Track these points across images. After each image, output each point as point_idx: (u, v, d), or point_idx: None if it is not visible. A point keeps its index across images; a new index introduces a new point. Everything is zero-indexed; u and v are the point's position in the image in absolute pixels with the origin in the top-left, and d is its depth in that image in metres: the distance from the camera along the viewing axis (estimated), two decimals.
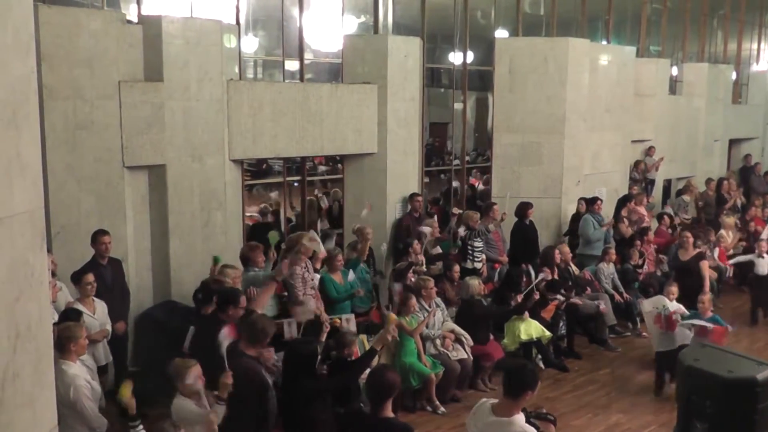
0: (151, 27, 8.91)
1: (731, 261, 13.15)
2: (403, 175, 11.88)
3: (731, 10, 21.56)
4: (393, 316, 7.56)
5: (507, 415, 4.83)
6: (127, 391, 5.41)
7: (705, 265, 10.80)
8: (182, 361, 5.83)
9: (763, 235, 13.39)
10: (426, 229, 11.09)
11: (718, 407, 6.48)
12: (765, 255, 12.21)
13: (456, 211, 13.07)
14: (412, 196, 11.74)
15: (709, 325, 8.89)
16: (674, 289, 9.64)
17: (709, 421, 6.55)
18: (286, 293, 8.87)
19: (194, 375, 5.65)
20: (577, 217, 12.81)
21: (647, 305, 9.71)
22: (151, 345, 8.56)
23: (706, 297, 9.50)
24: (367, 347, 8.40)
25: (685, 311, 9.41)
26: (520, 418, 4.85)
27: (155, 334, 8.69)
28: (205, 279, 8.35)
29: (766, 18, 24.11)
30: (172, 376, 5.64)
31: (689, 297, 9.63)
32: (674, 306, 9.38)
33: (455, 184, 14.82)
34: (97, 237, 8.12)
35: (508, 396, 4.88)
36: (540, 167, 13.00)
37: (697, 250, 10.99)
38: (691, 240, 10.92)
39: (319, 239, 9.62)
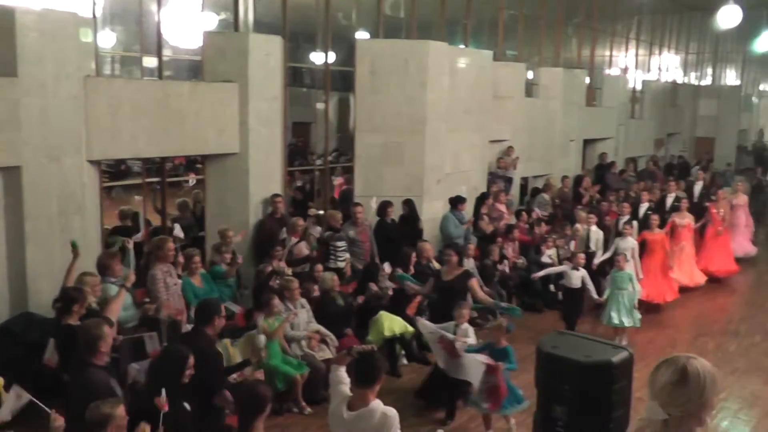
0: (3, 18, 8.55)
1: (539, 273, 12.52)
2: (266, 176, 11.88)
3: (585, 18, 22.76)
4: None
5: (365, 405, 5.06)
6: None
7: (474, 283, 9.36)
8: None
9: (572, 246, 13.80)
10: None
11: (577, 390, 6.99)
12: (580, 268, 11.68)
13: (312, 212, 13.14)
14: (273, 197, 11.76)
15: (490, 361, 8.04)
16: (465, 312, 8.73)
17: (568, 404, 7.04)
18: (147, 299, 8.83)
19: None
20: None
21: (427, 327, 8.65)
22: (8, 359, 7.96)
23: (465, 311, 8.71)
24: (231, 351, 8.58)
25: (471, 340, 8.64)
26: (377, 403, 5.09)
27: (12, 347, 8.27)
28: (64, 287, 7.95)
29: (618, 26, 25.52)
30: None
31: (451, 318, 8.70)
32: (464, 329, 8.63)
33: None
34: None
35: (361, 386, 5.11)
36: (402, 167, 13.31)
37: (462, 269, 9.45)
38: (455, 258, 9.31)
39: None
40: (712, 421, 8.95)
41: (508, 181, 16.59)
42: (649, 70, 28.83)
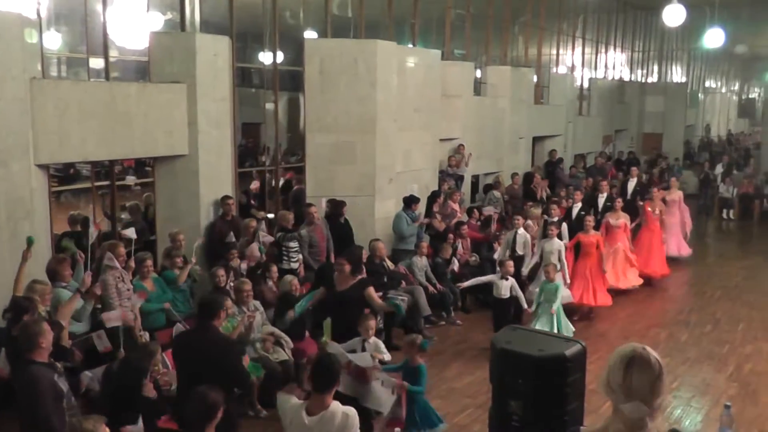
0: None
1: (466, 283, 12.11)
2: (216, 177, 11.82)
3: (532, 18, 23.04)
4: None
5: (323, 409, 5.13)
6: None
7: (371, 292, 8.46)
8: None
9: (497, 255, 13.38)
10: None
11: (531, 384, 7.09)
12: (509, 277, 11.21)
13: (261, 215, 13.05)
14: (224, 199, 11.70)
15: (402, 387, 7.57)
16: (372, 324, 8.17)
17: (523, 398, 7.13)
18: (100, 305, 8.77)
19: None
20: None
21: (336, 349, 7.45)
22: None
23: (371, 322, 8.16)
24: None
25: (387, 356, 8.29)
26: (336, 404, 5.17)
27: None
28: (14, 296, 7.73)
29: (564, 25, 25.88)
30: None
31: (353, 331, 8.08)
32: (373, 344, 8.07)
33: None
34: None
35: (318, 391, 5.18)
36: (353, 166, 13.38)
37: (358, 277, 8.47)
38: (348, 267, 8.40)
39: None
40: (665, 410, 9.18)
41: (460, 179, 16.76)
42: (596, 68, 29.26)
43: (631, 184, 18.43)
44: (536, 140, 22.66)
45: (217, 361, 6.38)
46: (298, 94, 14.70)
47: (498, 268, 11.59)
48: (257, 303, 9.67)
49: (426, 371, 7.90)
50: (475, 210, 15.09)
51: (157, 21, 12.14)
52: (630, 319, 13.01)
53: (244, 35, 14.38)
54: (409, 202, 13.47)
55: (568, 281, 12.50)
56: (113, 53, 11.42)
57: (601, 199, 16.18)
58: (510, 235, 13.14)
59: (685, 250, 17.42)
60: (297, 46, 14.31)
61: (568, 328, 11.22)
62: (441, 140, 16.28)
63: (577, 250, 13.24)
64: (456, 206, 14.83)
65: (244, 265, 10.86)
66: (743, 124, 45.25)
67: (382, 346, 8.44)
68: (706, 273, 16.98)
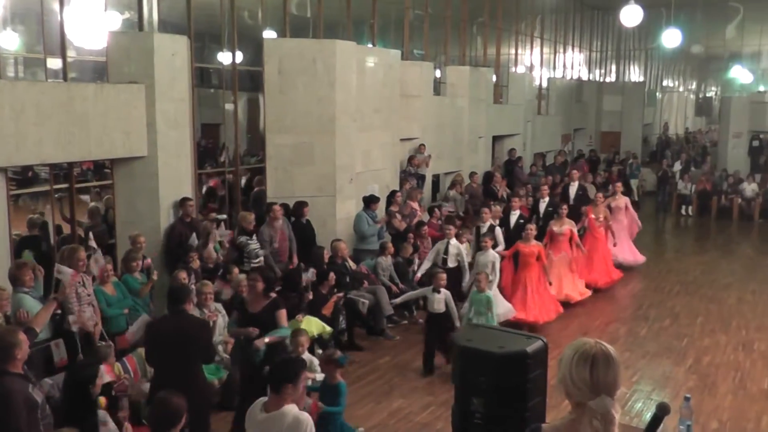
0: None
1: (398, 300, 11.66)
2: (176, 179, 11.76)
3: (489, 18, 23.24)
4: None
5: (277, 409, 5.21)
6: None
7: (281, 316, 7.92)
8: None
9: (420, 271, 12.32)
10: None
11: (493, 382, 7.17)
12: (442, 290, 10.47)
13: (212, 216, 12.97)
14: (183, 200, 11.64)
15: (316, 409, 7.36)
16: (304, 340, 8.17)
17: (485, 395, 7.21)
18: (60, 311, 8.68)
19: None
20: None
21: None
22: None
23: (303, 338, 8.09)
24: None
25: (319, 375, 8.16)
26: (290, 407, 5.24)
27: None
28: None
29: (522, 25, 26.10)
30: None
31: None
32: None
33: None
34: None
35: (273, 391, 5.27)
36: (313, 167, 13.38)
37: (270, 298, 7.97)
38: (261, 285, 7.89)
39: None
40: (626, 404, 9.34)
41: (421, 178, 16.85)
42: (554, 68, 29.55)
43: (573, 188, 17.43)
44: (496, 139, 22.86)
45: (195, 339, 7.14)
46: (258, 94, 14.69)
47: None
48: (219, 305, 9.65)
49: (345, 390, 7.77)
50: (436, 209, 15.17)
51: (115, 20, 12.03)
52: (589, 315, 13.19)
53: (202, 35, 14.33)
54: (369, 201, 13.54)
55: (499, 294, 11.59)
56: (71, 53, 11.28)
57: (543, 205, 15.59)
58: (441, 245, 12.35)
59: (640, 257, 16.72)
60: (256, 46, 14.29)
61: None
62: (401, 140, 16.34)
63: (517, 261, 12.65)
64: (416, 205, 14.91)
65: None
66: (700, 122, 45.89)
67: (316, 363, 8.51)
68: (665, 268, 17.27)
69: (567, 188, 17.65)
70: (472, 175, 18.29)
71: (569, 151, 28.57)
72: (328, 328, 10.37)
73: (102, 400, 6.42)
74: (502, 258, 12.51)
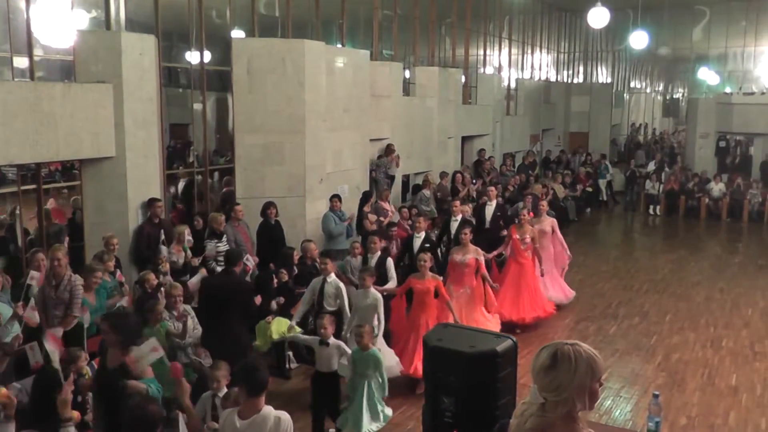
0: None
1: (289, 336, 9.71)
2: (144, 180, 11.74)
3: (457, 19, 23.35)
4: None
5: (255, 413, 5.19)
6: None
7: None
8: None
9: (296, 318, 9.84)
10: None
11: (463, 381, 7.23)
12: (331, 340, 8.41)
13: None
14: (151, 201, 11.62)
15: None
16: (221, 374, 7.15)
17: (455, 394, 7.27)
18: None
19: None
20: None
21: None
22: None
23: (221, 372, 7.14)
24: None
25: None
26: (268, 408, 5.24)
27: None
28: None
29: (490, 26, 26.25)
30: None
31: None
32: None
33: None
34: None
35: (251, 396, 5.22)
36: (283, 167, 13.39)
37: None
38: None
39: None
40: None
41: (390, 178, 16.87)
42: (522, 69, 29.73)
43: (489, 209, 14.53)
44: (465, 140, 22.96)
45: (236, 295, 8.85)
46: (227, 94, 14.65)
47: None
48: (188, 307, 9.59)
49: (381, 356, 8.14)
50: (405, 210, 15.18)
51: (82, 19, 11.94)
52: (559, 314, 13.23)
53: (170, 34, 14.24)
54: (331, 199, 13.51)
55: (384, 345, 9.67)
56: (38, 52, 11.17)
57: (455, 225, 13.20)
58: (317, 282, 10.06)
59: (569, 292, 13.94)
60: (224, 45, 14.25)
61: (386, 414, 8.40)
62: (371, 140, 16.36)
63: (411, 298, 10.30)
64: (387, 205, 14.93)
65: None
66: (668, 123, 46.31)
67: (344, 346, 8.49)
68: (634, 267, 17.45)
69: (482, 209, 14.74)
70: (442, 175, 18.34)
71: (538, 152, 28.77)
72: (298, 329, 10.35)
73: (75, 414, 6.33)
74: (393, 296, 10.58)
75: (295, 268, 11.52)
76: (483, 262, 11.43)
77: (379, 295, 9.57)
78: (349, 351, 8.38)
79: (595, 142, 31.36)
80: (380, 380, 8.33)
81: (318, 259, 12.04)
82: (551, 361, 3.33)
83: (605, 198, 26.43)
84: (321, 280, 10.02)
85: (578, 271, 16.48)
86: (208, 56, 14.13)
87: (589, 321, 13.05)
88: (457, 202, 13.83)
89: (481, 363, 7.19)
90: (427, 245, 12.07)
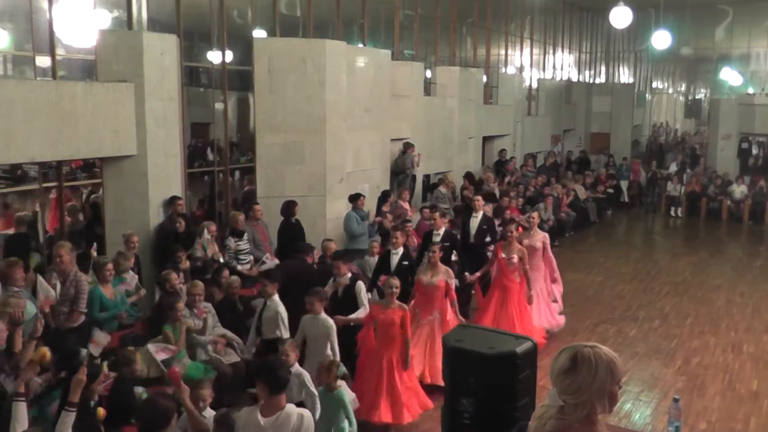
0: None
1: None
2: (165, 178, 11.76)
3: (479, 19, 23.28)
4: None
5: (278, 411, 5.21)
6: None
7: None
8: None
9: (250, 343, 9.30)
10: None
11: (482, 382, 7.20)
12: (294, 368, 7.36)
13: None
14: (173, 199, 11.67)
15: None
16: (206, 394, 6.66)
17: (474, 395, 7.24)
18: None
19: None
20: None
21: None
22: None
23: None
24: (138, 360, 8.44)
25: None
26: (291, 406, 5.28)
27: None
28: None
29: (511, 26, 26.15)
30: None
31: None
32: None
33: None
34: None
35: (273, 393, 5.24)
36: (303, 166, 13.35)
37: None
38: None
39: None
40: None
41: (412, 179, 16.84)
42: (544, 69, 29.60)
43: (475, 220, 12.91)
44: (486, 140, 22.88)
45: (308, 280, 9.57)
46: (248, 93, 14.69)
47: None
48: (208, 305, 9.61)
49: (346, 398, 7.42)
50: (426, 210, 15.12)
51: (104, 19, 12.01)
52: (578, 315, 13.18)
53: (191, 34, 14.28)
54: (353, 198, 13.51)
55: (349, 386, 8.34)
56: (60, 51, 11.27)
57: (474, 223, 12.57)
58: (258, 303, 9.48)
59: (555, 321, 12.08)
60: (245, 45, 14.28)
61: None
62: (391, 140, 16.33)
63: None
64: (406, 205, 14.91)
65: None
66: (689, 124, 46.03)
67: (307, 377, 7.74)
68: (655, 269, 17.29)
69: (467, 221, 13.15)
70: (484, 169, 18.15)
71: (559, 152, 28.63)
72: None
73: (101, 411, 6.33)
74: (360, 327, 9.21)
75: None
76: (453, 286, 10.05)
77: (331, 322, 8.42)
78: (310, 385, 7.37)
79: (616, 143, 31.16)
80: (350, 427, 7.41)
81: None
82: (571, 363, 3.30)
83: (626, 199, 26.27)
84: (262, 302, 9.18)
85: (598, 272, 16.40)
86: (229, 56, 14.17)
87: (609, 323, 12.95)
88: (480, 199, 13.17)
89: (501, 364, 7.17)
90: (447, 243, 11.55)
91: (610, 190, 25.09)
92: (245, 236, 11.92)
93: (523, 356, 7.22)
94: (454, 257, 12.01)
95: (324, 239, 12.10)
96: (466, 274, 11.55)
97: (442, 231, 11.99)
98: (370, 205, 14.18)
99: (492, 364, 7.19)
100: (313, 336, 8.37)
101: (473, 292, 12.22)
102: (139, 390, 7.42)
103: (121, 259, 9.95)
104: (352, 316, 9.41)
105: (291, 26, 15.77)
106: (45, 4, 10.85)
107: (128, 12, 12.11)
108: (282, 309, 8.94)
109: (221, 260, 11.43)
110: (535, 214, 12.97)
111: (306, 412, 5.27)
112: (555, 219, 18.93)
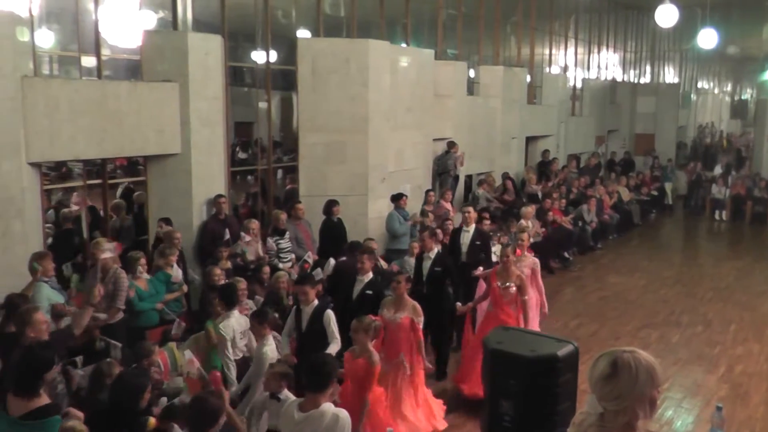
0: None
1: None
2: (208, 176, 11.85)
3: (523, 18, 23.09)
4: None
5: (314, 408, 5.21)
6: None
7: None
8: None
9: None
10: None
11: (523, 385, 7.16)
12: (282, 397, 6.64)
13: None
14: (217, 197, 11.76)
15: None
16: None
17: (515, 398, 7.21)
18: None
19: None
20: None
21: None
22: None
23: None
24: (177, 355, 8.51)
25: None
26: (328, 405, 5.26)
27: None
28: (9, 294, 7.72)
29: (556, 25, 25.93)
30: None
31: None
32: None
33: None
34: None
35: (313, 390, 5.26)
36: (345, 166, 13.38)
37: None
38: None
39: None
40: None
41: (454, 179, 16.78)
42: (588, 69, 29.32)
43: (466, 236, 11.59)
44: (529, 140, 22.71)
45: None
46: (291, 93, 14.75)
47: None
48: (251, 302, 9.66)
49: None
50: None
51: (149, 20, 12.13)
52: (620, 319, 13.04)
53: (235, 34, 14.39)
54: (395, 198, 13.49)
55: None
56: (105, 52, 11.39)
57: (465, 237, 11.44)
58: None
59: None
60: (289, 45, 14.35)
61: None
62: (434, 140, 16.29)
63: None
64: (448, 205, 14.87)
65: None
66: (735, 125, 45.42)
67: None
68: (698, 274, 17.04)
69: (456, 234, 11.78)
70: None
71: (603, 153, 28.36)
72: None
73: (152, 421, 6.15)
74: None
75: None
76: (420, 325, 8.49)
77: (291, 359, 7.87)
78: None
79: (660, 144, 30.76)
80: None
81: (379, 258, 12.07)
82: (611, 369, 3.22)
83: (671, 202, 25.95)
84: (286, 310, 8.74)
85: (641, 276, 16.20)
86: (273, 56, 14.23)
87: (652, 328, 12.75)
88: (471, 210, 11.82)
89: (542, 367, 7.13)
90: (438, 268, 10.32)
91: (655, 193, 24.80)
92: (287, 235, 11.96)
93: (564, 360, 7.17)
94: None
95: (366, 238, 12.10)
96: (458, 304, 10.17)
97: (471, 228, 11.29)
98: (411, 205, 14.13)
99: (533, 367, 7.16)
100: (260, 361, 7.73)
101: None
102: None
103: (167, 249, 10.03)
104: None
105: (335, 26, 15.81)
106: (91, 6, 10.95)
107: (173, 13, 12.18)
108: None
109: (262, 256, 11.46)
110: (524, 235, 10.94)
111: (342, 412, 5.26)
112: (598, 221, 18.78)
